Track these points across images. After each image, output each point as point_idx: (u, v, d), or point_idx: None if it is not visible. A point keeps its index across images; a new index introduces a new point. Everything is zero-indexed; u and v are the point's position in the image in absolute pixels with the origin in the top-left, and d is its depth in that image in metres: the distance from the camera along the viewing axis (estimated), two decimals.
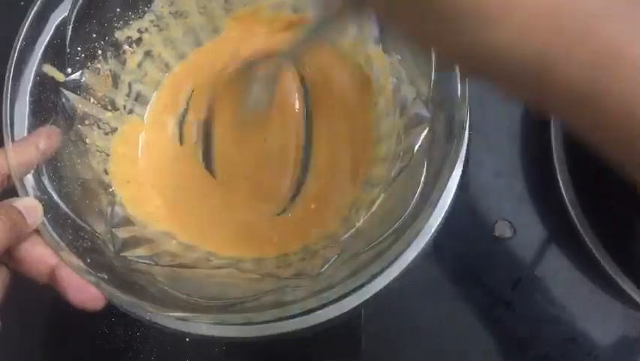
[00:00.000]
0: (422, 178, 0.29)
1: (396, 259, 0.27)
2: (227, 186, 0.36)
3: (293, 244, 0.35)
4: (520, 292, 0.36)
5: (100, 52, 0.34)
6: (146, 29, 0.36)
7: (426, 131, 0.30)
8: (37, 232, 0.27)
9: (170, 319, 0.30)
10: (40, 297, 0.36)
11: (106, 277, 0.27)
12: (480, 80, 0.20)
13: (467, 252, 0.37)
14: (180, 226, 0.36)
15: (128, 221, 0.33)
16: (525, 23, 0.16)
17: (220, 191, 0.36)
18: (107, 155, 0.35)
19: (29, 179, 0.28)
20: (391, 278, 0.30)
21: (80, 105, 0.33)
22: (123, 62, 0.36)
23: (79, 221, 0.29)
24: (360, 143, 0.36)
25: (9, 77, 0.29)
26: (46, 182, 0.29)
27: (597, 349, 0.35)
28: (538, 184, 0.37)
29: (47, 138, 0.29)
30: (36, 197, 0.28)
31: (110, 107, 0.35)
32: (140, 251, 0.31)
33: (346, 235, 0.32)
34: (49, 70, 0.31)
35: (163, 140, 0.38)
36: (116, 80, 0.36)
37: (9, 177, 0.27)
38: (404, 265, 0.30)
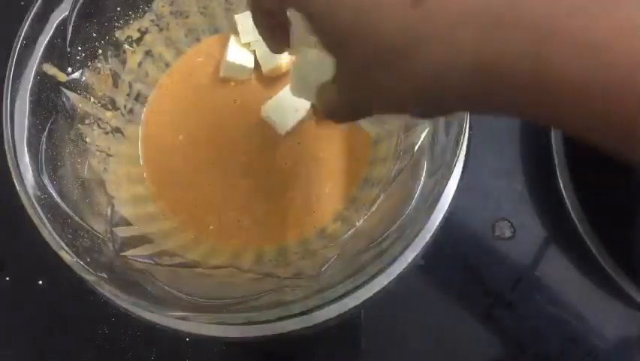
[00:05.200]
0: (422, 178, 0.28)
1: (396, 259, 0.27)
2: (228, 181, 0.36)
3: (291, 239, 0.35)
4: (520, 292, 0.36)
5: (100, 51, 0.34)
6: (147, 29, 0.36)
7: (426, 131, 0.30)
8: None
9: (170, 319, 0.30)
10: (40, 298, 0.36)
11: (106, 276, 0.27)
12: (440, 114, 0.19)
13: (467, 252, 0.37)
14: (180, 224, 0.36)
15: (128, 221, 0.33)
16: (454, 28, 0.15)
17: (220, 186, 0.36)
18: (107, 154, 0.35)
19: (29, 179, 0.28)
20: (391, 278, 0.30)
21: (80, 104, 0.33)
22: (123, 62, 0.36)
23: (79, 221, 0.29)
24: (360, 143, 0.36)
25: (9, 76, 0.29)
26: (46, 181, 0.29)
27: (597, 349, 0.35)
28: (538, 184, 0.37)
29: None
30: (36, 196, 0.28)
31: (110, 107, 0.35)
32: (140, 251, 0.31)
33: (346, 235, 0.32)
34: (50, 69, 0.31)
35: (163, 138, 0.38)
36: (116, 79, 0.36)
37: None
38: (404, 265, 0.30)
